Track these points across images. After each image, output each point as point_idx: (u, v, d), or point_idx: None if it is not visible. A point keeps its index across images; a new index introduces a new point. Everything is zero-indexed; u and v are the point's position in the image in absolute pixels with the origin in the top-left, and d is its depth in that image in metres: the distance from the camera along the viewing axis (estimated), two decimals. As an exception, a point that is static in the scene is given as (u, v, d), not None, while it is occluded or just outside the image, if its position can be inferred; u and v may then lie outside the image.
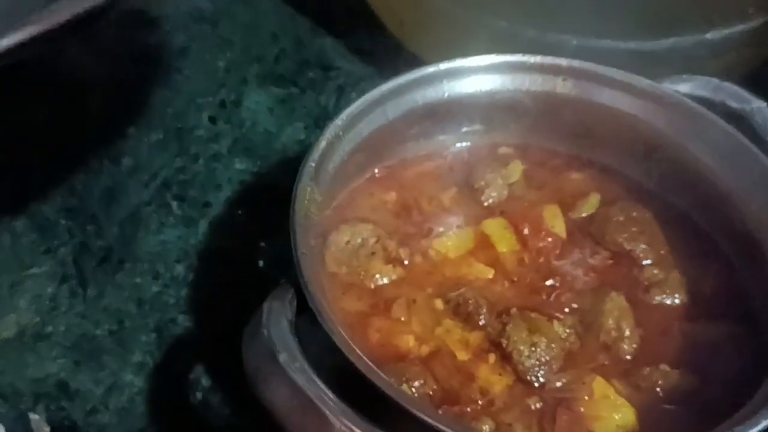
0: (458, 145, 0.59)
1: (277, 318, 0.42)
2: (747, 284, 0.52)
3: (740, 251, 0.53)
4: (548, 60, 0.56)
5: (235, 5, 0.80)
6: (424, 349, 0.48)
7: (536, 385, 0.47)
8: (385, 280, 0.51)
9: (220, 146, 0.69)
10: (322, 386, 0.39)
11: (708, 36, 0.63)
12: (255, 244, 0.62)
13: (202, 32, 0.77)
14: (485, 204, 0.56)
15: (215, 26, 0.78)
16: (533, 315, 0.49)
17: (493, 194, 0.56)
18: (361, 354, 0.42)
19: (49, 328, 0.57)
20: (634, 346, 0.49)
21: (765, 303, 0.50)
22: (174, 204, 0.65)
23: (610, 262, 0.53)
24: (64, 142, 0.67)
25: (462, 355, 0.48)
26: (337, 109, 0.72)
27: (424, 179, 0.57)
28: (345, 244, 0.52)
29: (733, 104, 0.54)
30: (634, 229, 0.54)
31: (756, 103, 0.54)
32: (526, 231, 0.54)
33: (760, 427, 0.41)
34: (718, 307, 0.51)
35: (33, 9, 0.33)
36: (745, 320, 0.50)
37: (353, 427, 0.38)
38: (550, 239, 0.54)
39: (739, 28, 0.63)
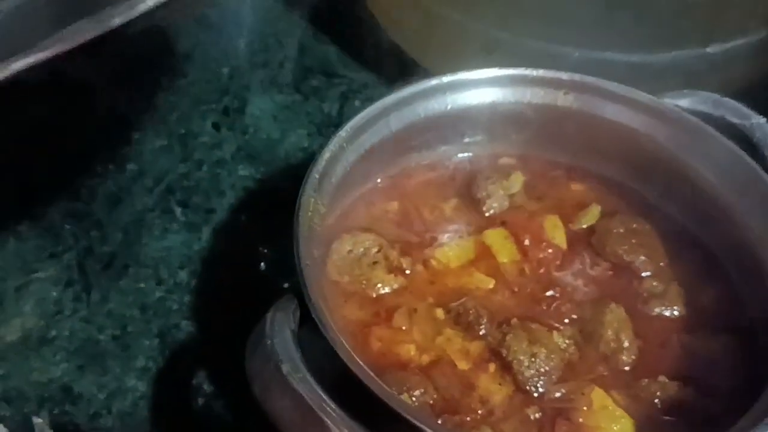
0: (460, 155, 0.59)
1: (280, 328, 0.42)
2: (745, 297, 0.52)
3: (739, 264, 0.53)
4: (550, 73, 0.56)
5: (240, 12, 0.80)
6: (425, 359, 0.49)
7: (536, 395, 0.48)
8: (387, 290, 0.52)
9: (223, 152, 0.70)
10: (325, 396, 0.40)
11: (708, 50, 0.63)
12: (258, 250, 0.62)
13: (206, 39, 0.78)
14: (486, 214, 0.56)
15: (220, 33, 0.79)
16: (533, 325, 0.50)
17: (495, 205, 0.57)
18: (362, 363, 0.42)
19: (53, 333, 0.58)
20: (633, 357, 0.49)
21: (763, 316, 0.51)
22: (178, 210, 0.66)
23: (610, 273, 0.54)
24: (69, 147, 0.67)
25: (462, 365, 0.49)
26: (341, 117, 0.73)
27: (426, 189, 0.58)
28: (347, 253, 0.52)
29: (733, 119, 0.55)
30: (633, 241, 0.54)
31: (756, 119, 0.54)
32: (526, 241, 0.55)
33: (758, 439, 0.41)
34: (717, 319, 0.52)
35: (41, 31, 0.33)
36: (743, 333, 0.50)
37: (355, 437, 0.39)
38: (550, 250, 0.54)
39: (740, 42, 0.64)
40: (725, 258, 0.54)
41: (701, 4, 0.62)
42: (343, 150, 0.52)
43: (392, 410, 0.40)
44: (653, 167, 0.56)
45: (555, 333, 0.50)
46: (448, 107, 0.56)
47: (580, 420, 0.46)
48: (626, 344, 0.49)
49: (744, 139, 0.54)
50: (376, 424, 0.40)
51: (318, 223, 0.49)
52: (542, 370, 0.48)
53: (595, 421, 0.46)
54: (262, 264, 0.62)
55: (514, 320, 0.50)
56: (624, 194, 0.58)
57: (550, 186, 0.59)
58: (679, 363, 0.50)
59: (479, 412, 0.47)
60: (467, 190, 0.57)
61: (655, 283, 0.53)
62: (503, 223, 0.56)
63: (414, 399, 0.46)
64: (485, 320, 0.50)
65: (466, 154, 0.60)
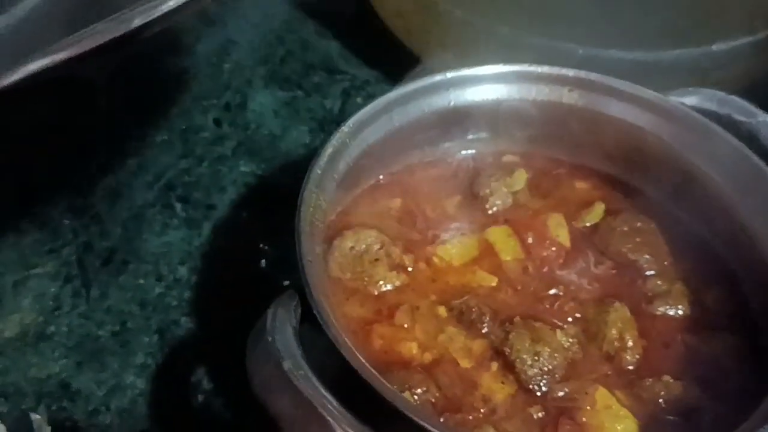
0: (463, 152, 0.59)
1: (282, 325, 0.42)
2: (750, 297, 0.52)
3: (744, 264, 0.53)
4: (555, 70, 0.56)
5: (242, 7, 0.80)
6: (427, 357, 0.48)
7: (539, 394, 0.47)
8: (389, 287, 0.51)
9: (224, 148, 0.70)
10: (326, 394, 0.39)
11: (714, 48, 0.63)
12: (258, 247, 0.62)
13: (208, 34, 0.78)
14: (489, 212, 0.56)
15: (222, 28, 0.79)
16: (536, 324, 0.49)
17: (498, 202, 0.56)
18: (364, 361, 0.42)
19: (52, 328, 0.57)
20: (637, 356, 0.49)
21: (767, 316, 0.50)
22: (178, 206, 0.65)
23: (614, 272, 0.54)
24: (69, 142, 0.67)
25: (465, 363, 0.48)
26: (342, 113, 0.73)
27: (429, 186, 0.57)
28: (349, 250, 0.52)
29: (739, 118, 0.54)
30: (638, 239, 0.54)
31: (762, 117, 0.54)
32: (530, 239, 0.54)
33: (762, 441, 0.41)
34: (722, 319, 0.51)
35: (58, 33, 0.33)
36: (748, 333, 0.50)
37: (356, 435, 0.38)
38: (554, 248, 0.54)
39: (745, 40, 0.63)
40: (730, 257, 0.54)
41: (707, 2, 0.62)
42: (345, 146, 0.51)
43: (394, 408, 0.40)
44: (658, 165, 0.56)
45: (558, 332, 0.49)
46: (452, 104, 0.56)
47: (584, 419, 0.46)
48: (630, 343, 0.49)
49: (750, 137, 0.53)
50: (377, 422, 0.39)
51: (320, 220, 0.49)
52: (545, 368, 0.47)
53: (598, 421, 0.46)
54: (263, 261, 0.61)
55: (517, 318, 0.50)
56: (628, 192, 0.58)
57: (554, 184, 0.58)
58: (684, 363, 0.49)
59: (482, 410, 0.46)
60: (470, 188, 0.57)
61: (659, 282, 0.53)
62: (506, 221, 0.55)
63: (416, 397, 0.45)
64: (488, 318, 0.50)
65: (469, 151, 0.59)
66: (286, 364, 0.40)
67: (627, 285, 0.53)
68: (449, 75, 0.55)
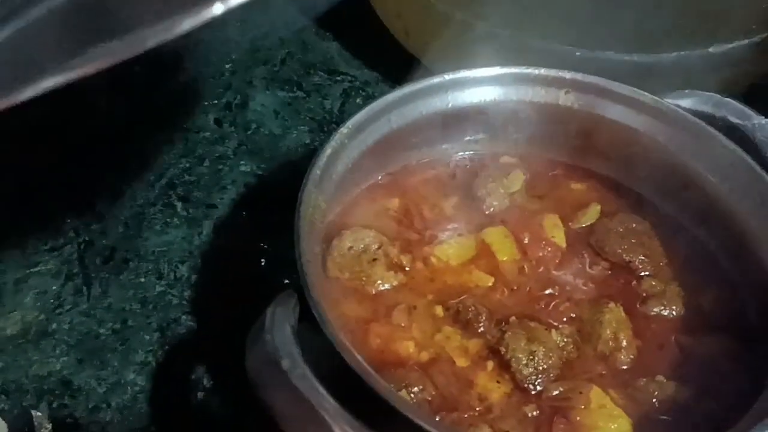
0: (461, 154, 0.60)
1: (280, 324, 0.42)
2: (745, 298, 0.52)
3: (739, 265, 0.53)
4: (552, 72, 0.57)
5: (243, 8, 0.80)
6: (424, 356, 0.49)
7: (534, 393, 0.48)
8: (387, 286, 0.52)
9: (225, 148, 0.70)
10: (324, 393, 0.40)
11: (711, 50, 0.63)
12: (258, 246, 0.62)
13: (209, 34, 0.78)
14: (486, 212, 0.57)
15: (222, 28, 0.79)
16: (532, 324, 0.50)
17: (495, 203, 0.57)
18: (361, 360, 0.42)
19: (53, 326, 0.58)
20: (631, 356, 0.50)
21: (762, 318, 0.51)
22: (179, 205, 0.66)
23: (609, 272, 0.54)
24: (71, 141, 0.67)
25: (461, 362, 0.49)
26: (342, 114, 0.73)
27: (427, 187, 0.58)
28: (347, 249, 0.52)
29: (735, 120, 0.55)
30: (633, 240, 0.55)
31: (757, 119, 0.54)
32: (526, 240, 0.55)
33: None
34: (716, 320, 0.52)
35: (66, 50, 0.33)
36: (742, 334, 0.51)
37: (353, 434, 0.39)
38: (550, 249, 0.54)
39: (742, 43, 0.64)
40: (725, 258, 0.54)
41: (704, 5, 0.62)
42: (344, 146, 0.52)
43: (390, 407, 0.40)
44: (654, 167, 0.56)
45: (554, 331, 0.50)
46: (450, 105, 0.57)
47: (578, 418, 0.46)
48: (624, 343, 0.50)
49: (745, 140, 0.54)
50: (374, 420, 0.40)
51: (319, 219, 0.49)
52: (540, 368, 0.48)
53: (592, 420, 0.46)
54: (263, 260, 0.62)
55: (513, 318, 0.50)
56: (624, 194, 0.58)
57: (551, 185, 0.59)
58: (678, 363, 0.50)
59: (477, 409, 0.47)
60: (468, 188, 0.58)
61: (654, 283, 0.53)
62: (503, 222, 0.56)
63: (412, 396, 0.46)
64: (484, 318, 0.50)
65: (467, 153, 0.60)
66: (284, 363, 0.40)
67: (622, 286, 0.53)
68: (447, 77, 0.56)
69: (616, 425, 0.46)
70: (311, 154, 0.51)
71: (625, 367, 0.49)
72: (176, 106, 0.72)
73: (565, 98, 0.57)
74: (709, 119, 0.55)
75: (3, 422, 0.52)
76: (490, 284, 0.53)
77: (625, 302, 0.52)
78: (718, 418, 0.45)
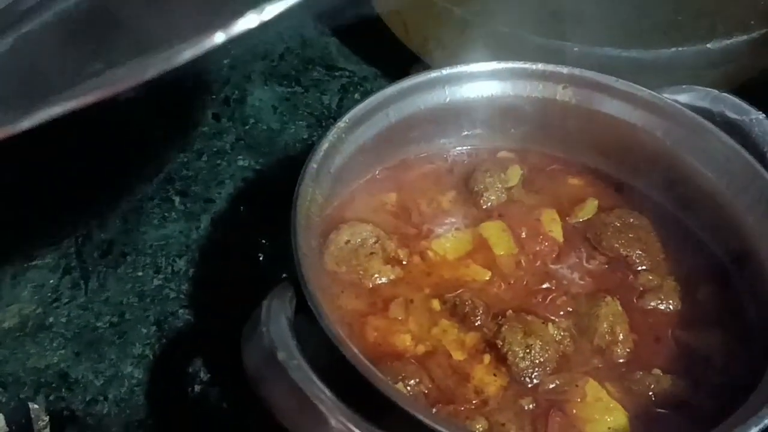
0: (459, 148, 0.60)
1: (276, 316, 0.42)
2: (741, 292, 0.52)
3: (736, 260, 0.53)
4: (549, 68, 0.57)
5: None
6: (421, 349, 0.49)
7: (530, 386, 0.48)
8: (384, 280, 0.52)
9: (223, 143, 0.70)
10: (320, 384, 0.40)
11: (709, 46, 0.63)
12: (256, 240, 0.62)
13: (208, 29, 0.78)
14: (484, 207, 0.57)
15: (221, 23, 0.79)
16: (529, 317, 0.50)
17: (492, 198, 0.57)
18: (358, 352, 0.42)
19: (51, 319, 0.58)
20: (628, 350, 0.50)
21: (758, 313, 0.51)
22: (177, 199, 0.66)
23: (606, 267, 0.54)
24: (68, 135, 0.67)
25: (458, 355, 0.49)
26: (340, 109, 0.73)
27: (424, 181, 0.58)
28: (345, 243, 0.53)
29: (733, 115, 0.55)
30: (630, 235, 0.55)
31: (755, 115, 0.54)
32: (523, 234, 0.55)
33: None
34: (712, 314, 0.52)
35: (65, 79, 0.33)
36: (738, 329, 0.51)
37: (349, 425, 0.39)
38: (547, 243, 0.54)
39: (740, 39, 0.64)
40: (722, 254, 0.54)
41: (702, 1, 0.62)
42: (341, 141, 0.52)
43: (387, 399, 0.40)
44: (651, 162, 0.57)
45: (550, 325, 0.50)
46: (447, 100, 0.57)
47: (574, 411, 0.47)
48: (621, 337, 0.50)
49: (743, 135, 0.54)
50: (370, 412, 0.40)
51: (316, 214, 0.49)
52: (537, 361, 0.48)
53: (588, 413, 0.46)
54: (261, 254, 0.62)
55: (510, 312, 0.50)
56: (621, 189, 0.58)
57: (548, 180, 0.59)
58: (674, 357, 0.50)
59: (474, 402, 0.47)
60: (465, 183, 0.58)
61: (651, 277, 0.53)
62: (500, 216, 0.56)
63: (409, 388, 0.46)
64: (481, 312, 0.50)
65: (464, 147, 0.60)
66: (280, 355, 0.40)
67: (619, 280, 0.53)
68: (445, 72, 0.56)
69: (612, 418, 0.46)
70: (309, 149, 0.51)
71: (621, 361, 0.49)
72: (174, 100, 0.72)
73: (563, 93, 0.57)
74: (707, 114, 0.55)
75: (1, 414, 0.52)
76: (487, 278, 0.53)
77: (621, 296, 0.52)
78: (714, 411, 0.45)
